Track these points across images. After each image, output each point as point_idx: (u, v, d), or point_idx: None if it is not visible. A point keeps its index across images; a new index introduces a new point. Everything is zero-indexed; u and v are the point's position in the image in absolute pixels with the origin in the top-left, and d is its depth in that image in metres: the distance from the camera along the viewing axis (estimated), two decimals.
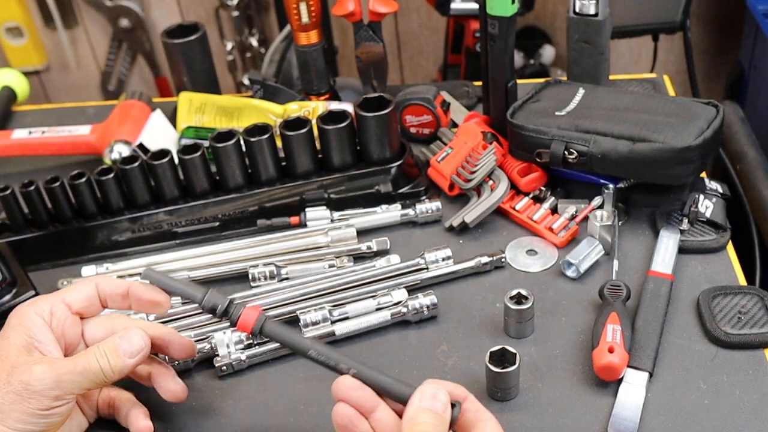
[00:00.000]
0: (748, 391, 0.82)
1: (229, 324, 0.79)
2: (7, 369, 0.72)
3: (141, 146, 1.14)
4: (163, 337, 0.81)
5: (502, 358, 0.81)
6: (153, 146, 1.13)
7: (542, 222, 1.03)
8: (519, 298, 0.88)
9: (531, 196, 1.06)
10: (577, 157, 1.00)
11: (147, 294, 0.80)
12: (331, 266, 0.99)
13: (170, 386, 0.81)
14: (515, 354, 0.81)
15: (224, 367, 0.89)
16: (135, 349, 0.77)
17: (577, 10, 1.10)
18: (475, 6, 1.63)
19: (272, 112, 1.22)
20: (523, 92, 1.12)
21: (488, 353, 0.81)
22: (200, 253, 1.04)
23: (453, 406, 0.70)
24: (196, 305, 0.95)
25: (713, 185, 1.03)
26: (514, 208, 1.05)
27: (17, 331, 0.76)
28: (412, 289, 0.96)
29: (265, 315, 0.78)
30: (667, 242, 0.96)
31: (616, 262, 0.96)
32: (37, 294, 0.95)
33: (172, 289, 0.80)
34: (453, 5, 1.82)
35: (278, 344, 0.90)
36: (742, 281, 0.94)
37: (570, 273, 0.97)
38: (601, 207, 1.02)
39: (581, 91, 1.09)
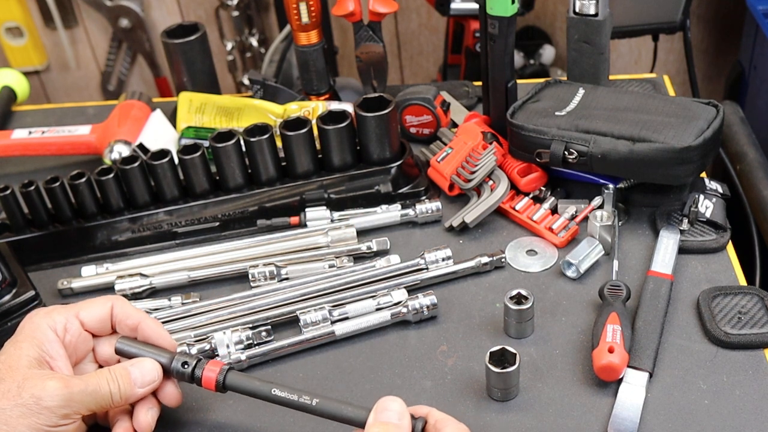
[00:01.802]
0: (748, 391, 0.82)
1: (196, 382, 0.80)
2: (18, 381, 0.72)
3: (141, 146, 1.14)
4: (142, 331, 0.81)
5: (502, 358, 0.82)
6: (153, 146, 1.13)
7: (542, 222, 1.03)
8: (519, 298, 0.88)
9: (531, 196, 1.06)
10: (577, 157, 1.00)
11: (154, 336, 0.81)
12: (331, 266, 0.99)
13: (169, 390, 0.80)
14: (515, 354, 0.81)
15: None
16: (147, 380, 0.77)
17: (577, 10, 1.10)
18: (475, 6, 1.63)
19: (272, 112, 1.22)
20: (523, 92, 1.12)
21: (488, 353, 0.81)
22: (200, 253, 1.04)
23: (416, 419, 0.72)
24: (198, 306, 0.96)
25: (713, 185, 1.03)
26: (514, 208, 1.05)
27: (30, 342, 0.76)
28: (412, 289, 0.96)
29: (226, 368, 0.79)
30: (667, 242, 0.96)
31: (616, 262, 0.95)
32: (37, 294, 0.95)
33: (144, 354, 0.80)
34: (453, 5, 1.82)
35: (278, 344, 0.90)
36: (742, 281, 0.94)
37: (570, 273, 0.97)
38: (601, 207, 1.02)
39: (581, 91, 1.09)
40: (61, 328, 0.77)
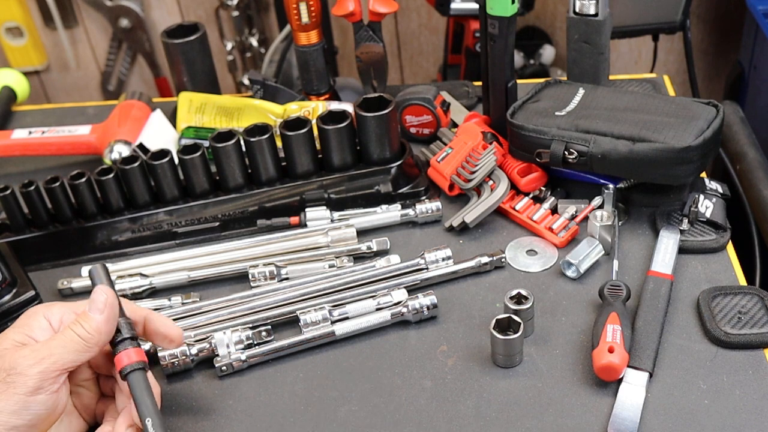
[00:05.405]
0: (748, 391, 0.82)
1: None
2: None
3: (141, 146, 1.14)
4: (149, 324, 0.81)
5: (506, 327, 0.85)
6: (153, 146, 1.13)
7: (542, 222, 1.03)
8: (519, 298, 0.88)
9: (531, 196, 1.06)
10: (577, 157, 1.00)
11: (162, 328, 0.81)
12: (331, 266, 0.99)
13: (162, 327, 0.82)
14: (520, 323, 0.84)
15: (224, 367, 0.89)
16: (100, 304, 0.76)
17: (577, 10, 1.10)
18: (475, 6, 1.63)
19: (272, 112, 1.22)
20: (523, 92, 1.12)
21: (494, 320, 0.85)
22: (200, 253, 1.04)
23: None
24: (198, 306, 0.96)
25: (713, 185, 1.03)
26: (514, 208, 1.05)
27: (21, 328, 0.76)
28: (412, 289, 0.96)
29: (135, 366, 0.76)
30: (667, 242, 0.96)
31: (616, 262, 0.95)
32: (37, 294, 0.95)
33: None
34: (453, 5, 1.82)
35: (278, 344, 0.90)
36: (742, 281, 0.94)
37: (570, 273, 0.97)
38: (601, 207, 1.02)
39: (581, 91, 1.09)
40: (56, 320, 0.77)
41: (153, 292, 1.01)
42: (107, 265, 1.02)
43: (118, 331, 0.78)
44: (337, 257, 1.01)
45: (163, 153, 1.04)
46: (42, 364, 0.72)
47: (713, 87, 2.19)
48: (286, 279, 0.99)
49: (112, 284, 0.81)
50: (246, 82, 2.12)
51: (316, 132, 1.06)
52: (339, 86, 1.31)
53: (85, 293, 1.01)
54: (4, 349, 0.73)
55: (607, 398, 0.82)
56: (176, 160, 1.05)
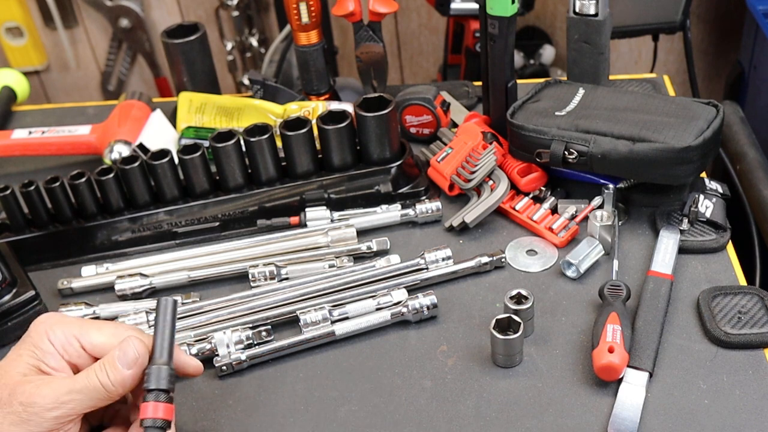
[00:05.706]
0: (748, 391, 0.82)
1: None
2: (10, 388, 0.71)
3: (141, 146, 1.14)
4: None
5: (506, 327, 0.85)
6: (153, 146, 1.13)
7: (542, 222, 1.03)
8: (519, 298, 0.88)
9: (531, 196, 1.06)
10: (577, 157, 1.00)
11: (179, 364, 0.77)
12: (331, 266, 0.99)
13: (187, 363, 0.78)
14: (520, 323, 0.84)
15: (224, 367, 0.89)
16: (130, 359, 0.73)
17: (577, 10, 1.10)
18: (475, 6, 1.63)
19: (272, 112, 1.22)
20: (523, 92, 1.12)
21: (494, 320, 0.84)
22: (200, 253, 1.04)
23: None
24: (198, 306, 0.96)
25: (713, 185, 1.03)
26: (514, 208, 1.05)
27: (32, 351, 0.74)
28: (412, 289, 0.96)
29: (158, 423, 0.72)
30: (667, 242, 0.96)
31: (616, 262, 0.95)
32: (37, 294, 0.95)
33: (157, 332, 0.75)
34: (453, 5, 1.82)
35: (278, 344, 0.90)
36: (742, 281, 0.94)
37: (570, 273, 0.97)
38: (601, 207, 1.02)
39: (581, 91, 1.09)
40: (59, 346, 0.75)
41: (153, 292, 1.01)
42: (107, 265, 1.03)
43: (157, 377, 0.73)
44: (337, 257, 1.01)
45: (163, 153, 1.04)
46: (60, 409, 0.71)
47: (713, 87, 2.19)
48: (286, 279, 0.99)
49: (174, 323, 0.76)
50: (246, 82, 2.12)
51: (316, 132, 1.06)
52: (339, 86, 1.31)
53: (84, 293, 1.02)
54: (22, 375, 0.72)
55: (607, 398, 0.82)
56: (176, 160, 1.05)
